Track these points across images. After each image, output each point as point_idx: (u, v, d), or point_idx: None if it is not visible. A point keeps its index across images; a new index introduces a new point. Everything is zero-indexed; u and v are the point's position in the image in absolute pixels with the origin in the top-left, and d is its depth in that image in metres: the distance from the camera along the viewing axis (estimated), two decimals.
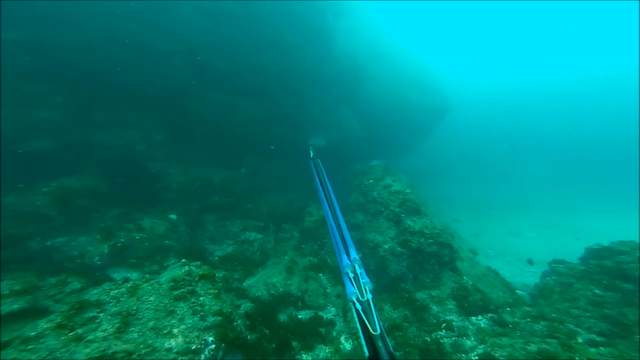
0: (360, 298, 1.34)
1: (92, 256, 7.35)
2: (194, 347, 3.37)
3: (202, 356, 3.44)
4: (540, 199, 24.38)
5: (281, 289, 6.56)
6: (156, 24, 10.47)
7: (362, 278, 1.45)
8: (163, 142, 11.84)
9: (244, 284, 6.99)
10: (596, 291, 6.98)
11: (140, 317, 3.39)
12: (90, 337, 3.03)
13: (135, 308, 3.44)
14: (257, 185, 12.55)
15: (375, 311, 1.24)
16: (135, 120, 11.60)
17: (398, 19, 21.55)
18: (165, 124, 12.08)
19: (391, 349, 1.17)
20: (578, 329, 6.13)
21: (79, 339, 2.99)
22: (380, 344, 1.15)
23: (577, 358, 4.06)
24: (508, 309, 6.67)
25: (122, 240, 7.75)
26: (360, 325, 1.23)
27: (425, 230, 7.09)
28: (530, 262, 10.62)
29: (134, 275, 7.27)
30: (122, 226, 8.38)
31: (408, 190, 8.31)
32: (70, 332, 3.10)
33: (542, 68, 56.63)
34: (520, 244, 15.64)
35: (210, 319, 3.76)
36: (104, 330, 3.14)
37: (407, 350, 5.01)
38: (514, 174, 34.92)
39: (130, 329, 3.21)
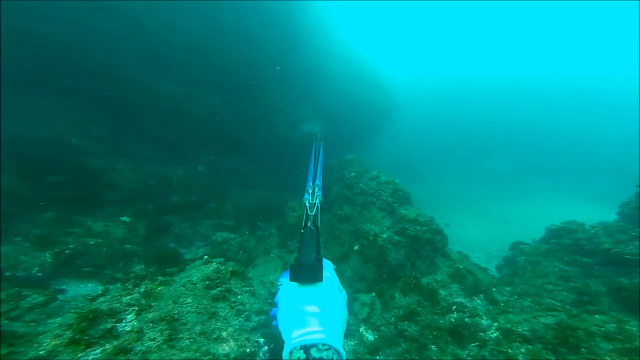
0: (310, 201, 1.74)
1: (28, 267, 5.82)
2: (249, 351, 2.77)
3: (258, 359, 2.87)
4: (477, 193, 27.05)
5: None
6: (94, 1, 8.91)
7: (317, 193, 1.89)
8: (104, 135, 10.12)
9: None
10: (561, 267, 7.84)
11: (185, 321, 2.63)
12: (139, 348, 2.22)
13: (176, 312, 2.66)
14: (219, 183, 11.50)
15: (318, 208, 1.65)
16: (66, 109, 9.71)
17: (353, 19, 22.10)
18: (106, 114, 10.35)
19: (319, 223, 1.57)
20: (554, 302, 6.85)
21: (125, 351, 2.16)
22: (311, 216, 1.57)
23: (591, 327, 4.41)
24: (494, 289, 7.12)
25: (70, 246, 6.29)
26: (305, 212, 1.65)
27: (420, 218, 7.20)
28: (503, 261, 11.31)
29: (89, 285, 6.01)
30: (67, 231, 6.85)
31: (397, 180, 8.41)
32: (87, 347, 2.23)
33: (504, 66, 60.58)
34: (462, 232, 17.14)
35: (255, 319, 3.14)
36: (153, 340, 2.33)
37: (434, 333, 4.93)
38: (459, 169, 36.88)
39: (180, 336, 2.46)
